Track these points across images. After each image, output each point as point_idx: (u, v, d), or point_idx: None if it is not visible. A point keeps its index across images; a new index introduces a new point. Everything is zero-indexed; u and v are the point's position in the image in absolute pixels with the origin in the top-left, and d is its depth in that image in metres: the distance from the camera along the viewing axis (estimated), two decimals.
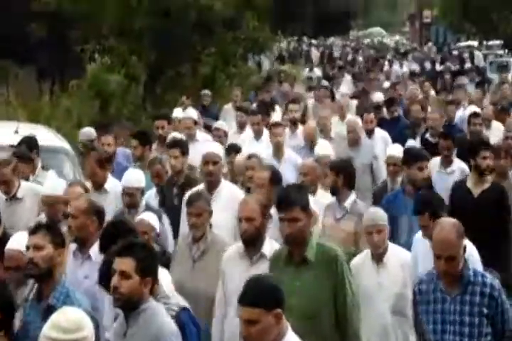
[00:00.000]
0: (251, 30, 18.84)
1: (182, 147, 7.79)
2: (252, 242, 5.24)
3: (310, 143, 9.34)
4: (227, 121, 11.87)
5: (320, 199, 6.91)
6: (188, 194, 6.42)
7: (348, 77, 20.47)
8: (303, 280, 4.73)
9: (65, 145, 9.03)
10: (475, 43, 37.95)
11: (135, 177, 6.89)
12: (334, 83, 18.45)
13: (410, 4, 62.39)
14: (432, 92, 16.28)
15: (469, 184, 7.40)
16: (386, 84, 18.35)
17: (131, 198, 6.72)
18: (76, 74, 18.42)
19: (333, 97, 15.08)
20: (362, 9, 57.56)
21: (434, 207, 5.64)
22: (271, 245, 5.33)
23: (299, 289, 4.66)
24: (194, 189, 6.67)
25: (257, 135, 9.89)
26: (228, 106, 13.81)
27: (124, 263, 4.06)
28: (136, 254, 4.09)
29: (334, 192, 6.68)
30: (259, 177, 6.63)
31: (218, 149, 7.15)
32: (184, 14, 16.18)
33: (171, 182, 7.58)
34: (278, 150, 8.91)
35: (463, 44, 41.35)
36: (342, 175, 6.65)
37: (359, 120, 10.17)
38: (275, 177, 6.54)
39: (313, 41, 50.75)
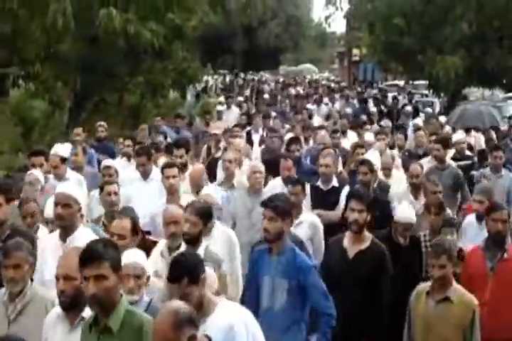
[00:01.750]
0: (180, 61, 18.76)
1: (6, 193, 6.69)
2: (70, 305, 4.50)
3: (195, 189, 8.55)
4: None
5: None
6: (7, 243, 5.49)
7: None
8: None
9: None
10: (401, 83, 38.68)
11: None
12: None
13: (339, 42, 63.29)
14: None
15: (345, 243, 6.63)
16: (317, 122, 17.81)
17: None
18: None
19: (249, 138, 14.42)
20: (292, 45, 58.03)
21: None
22: None
23: None
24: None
25: (144, 175, 9.27)
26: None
27: None
28: None
29: (188, 241, 6.14)
30: (115, 227, 6.16)
31: (73, 190, 6.15)
32: (112, 41, 15.98)
33: None
34: (172, 194, 8.16)
35: (389, 83, 42.11)
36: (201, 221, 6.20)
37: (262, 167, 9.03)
38: (136, 226, 6.23)
39: (250, 76, 51.00)
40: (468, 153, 12.67)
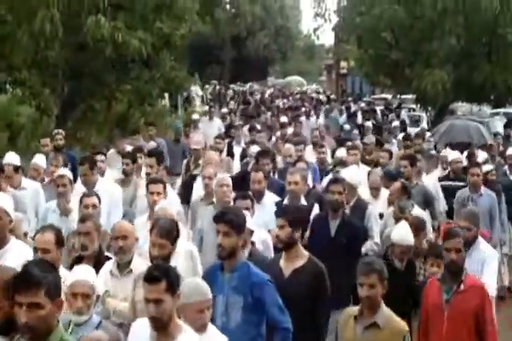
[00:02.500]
0: (167, 70, 18.73)
1: None
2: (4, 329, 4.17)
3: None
4: (111, 167, 11.23)
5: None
6: None
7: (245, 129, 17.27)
8: None
9: None
10: (389, 96, 38.77)
11: None
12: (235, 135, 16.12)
13: (328, 54, 63.50)
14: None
15: (282, 262, 6.36)
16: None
17: None
18: None
19: (229, 150, 14.23)
20: (280, 56, 58.20)
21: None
22: None
23: None
24: None
25: (87, 186, 8.81)
26: (112, 151, 12.73)
27: None
28: None
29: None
30: (38, 241, 5.86)
31: (2, 202, 6.01)
32: (100, 49, 15.94)
33: None
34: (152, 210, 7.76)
35: (377, 96, 42.21)
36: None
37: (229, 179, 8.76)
38: (59, 239, 5.88)
39: (240, 87, 50.71)
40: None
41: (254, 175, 9.01)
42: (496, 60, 23.55)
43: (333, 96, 46.55)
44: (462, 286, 6.15)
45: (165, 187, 8.08)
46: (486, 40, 23.52)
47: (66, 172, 8.78)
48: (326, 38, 67.51)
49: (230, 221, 5.68)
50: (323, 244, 7.57)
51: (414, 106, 30.22)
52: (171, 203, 7.78)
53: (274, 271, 6.16)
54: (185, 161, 12.70)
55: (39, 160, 10.25)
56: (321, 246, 7.33)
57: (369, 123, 20.19)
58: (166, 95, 22.82)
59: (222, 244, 5.64)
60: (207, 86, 44.57)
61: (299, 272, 6.22)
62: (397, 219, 7.98)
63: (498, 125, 22.21)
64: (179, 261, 6.29)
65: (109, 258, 6.39)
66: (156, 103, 20.31)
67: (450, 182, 11.57)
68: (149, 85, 18.74)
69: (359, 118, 25.13)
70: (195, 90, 38.60)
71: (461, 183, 11.05)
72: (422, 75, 23.19)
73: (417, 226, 7.59)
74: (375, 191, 9.74)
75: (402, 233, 7.17)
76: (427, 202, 10.00)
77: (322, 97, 42.82)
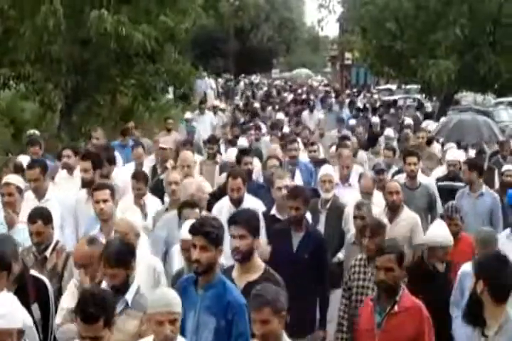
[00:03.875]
0: (172, 64, 18.68)
1: None
2: None
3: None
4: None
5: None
6: None
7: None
8: None
9: None
10: (393, 87, 38.72)
11: None
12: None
13: (332, 45, 63.37)
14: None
15: (235, 273, 5.75)
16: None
17: None
18: None
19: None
20: (284, 48, 58.04)
21: None
22: None
23: None
24: None
25: (37, 194, 8.18)
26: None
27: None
28: None
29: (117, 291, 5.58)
30: None
31: None
32: (103, 43, 15.92)
33: None
34: (106, 221, 7.26)
35: (382, 87, 42.15)
36: None
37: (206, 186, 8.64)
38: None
39: (258, 79, 50.25)
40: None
41: (232, 182, 8.06)
42: (500, 49, 23.47)
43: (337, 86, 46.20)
44: (396, 308, 5.53)
45: (113, 194, 7.30)
46: (491, 29, 23.43)
47: (14, 179, 7.95)
48: (330, 29, 67.67)
49: (207, 234, 5.16)
50: (284, 260, 6.87)
51: (419, 96, 30.20)
52: (134, 212, 7.15)
53: None
54: (150, 165, 11.27)
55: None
56: (281, 263, 6.55)
57: (376, 119, 19.38)
58: (170, 89, 22.69)
59: (200, 259, 5.14)
60: (219, 79, 44.12)
61: (252, 286, 5.33)
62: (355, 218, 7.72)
63: (503, 114, 22.16)
64: (142, 277, 5.94)
65: (37, 279, 5.82)
66: (159, 97, 20.23)
67: (450, 183, 10.73)
68: (154, 79, 18.68)
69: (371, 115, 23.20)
70: (210, 83, 38.05)
71: (462, 183, 10.33)
72: (426, 65, 23.13)
73: (373, 229, 6.92)
74: (366, 195, 9.00)
75: (442, 234, 6.81)
76: (431, 206, 9.54)
77: (328, 89, 42.05)
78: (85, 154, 9.12)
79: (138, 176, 8.97)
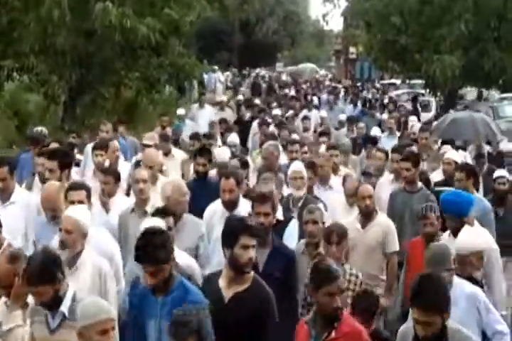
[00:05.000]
0: (176, 57, 18.66)
1: None
2: None
3: (49, 213, 7.09)
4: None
5: None
6: None
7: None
8: None
9: None
10: (398, 81, 38.67)
11: None
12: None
13: (337, 40, 63.33)
14: None
15: (222, 282, 5.28)
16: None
17: None
18: None
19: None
20: (289, 42, 57.98)
21: None
22: None
23: None
24: None
25: (2, 197, 7.54)
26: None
27: None
28: None
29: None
30: None
31: None
32: (108, 35, 15.92)
33: None
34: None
35: (386, 82, 42.09)
36: None
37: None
38: None
39: (264, 73, 49.52)
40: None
41: (224, 183, 7.34)
42: (505, 45, 23.44)
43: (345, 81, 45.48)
44: (334, 334, 5.06)
45: (89, 195, 6.71)
46: (495, 25, 23.39)
47: None
48: (335, 24, 67.49)
49: (156, 260, 4.92)
50: None
51: (423, 91, 30.15)
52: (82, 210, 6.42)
53: (210, 293, 5.20)
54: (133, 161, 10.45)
55: None
56: None
57: (385, 116, 18.04)
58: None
59: (154, 283, 4.97)
60: (227, 73, 43.79)
61: (241, 296, 5.13)
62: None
63: (507, 109, 22.09)
64: (86, 277, 5.65)
65: None
66: (163, 90, 20.21)
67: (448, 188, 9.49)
68: (158, 72, 18.69)
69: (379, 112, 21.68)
70: (218, 76, 37.61)
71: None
72: (431, 60, 23.11)
73: (340, 234, 6.44)
74: (351, 199, 8.37)
75: (472, 239, 6.35)
76: None
77: (335, 85, 40.79)
78: (51, 153, 7.93)
79: (106, 169, 8.39)
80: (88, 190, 6.73)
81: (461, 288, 5.69)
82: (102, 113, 19.21)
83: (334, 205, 8.53)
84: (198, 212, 7.49)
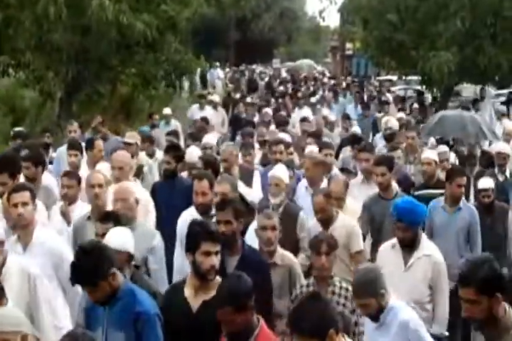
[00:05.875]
0: (172, 53, 18.65)
1: None
2: None
3: None
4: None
5: None
6: None
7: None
8: None
9: None
10: (394, 78, 38.68)
11: None
12: None
13: (333, 36, 63.26)
14: None
15: (187, 292, 5.06)
16: None
17: None
18: None
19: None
20: (285, 38, 57.99)
21: None
22: None
23: None
24: None
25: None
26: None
27: None
28: None
29: None
30: None
31: None
32: (104, 32, 15.90)
33: None
34: (24, 228, 6.28)
35: (383, 78, 42.09)
36: None
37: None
38: None
39: (261, 69, 49.14)
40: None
41: (198, 185, 7.01)
42: (501, 42, 23.45)
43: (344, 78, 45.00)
44: None
45: (33, 195, 6.32)
46: (491, 22, 23.39)
47: None
48: (332, 20, 67.44)
49: (92, 282, 4.77)
50: None
51: (419, 87, 30.17)
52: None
53: (176, 304, 5.03)
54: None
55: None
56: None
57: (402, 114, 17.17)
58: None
59: (95, 300, 4.88)
60: (227, 69, 43.34)
61: (209, 304, 4.83)
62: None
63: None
64: (12, 281, 5.30)
65: None
66: (159, 86, 20.18)
67: (428, 191, 9.23)
68: (154, 68, 18.67)
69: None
70: (217, 73, 37.13)
71: (441, 190, 8.77)
72: (427, 57, 23.10)
73: (331, 244, 6.20)
74: (338, 202, 7.85)
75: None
76: None
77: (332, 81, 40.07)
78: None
79: (68, 173, 7.87)
80: (32, 191, 6.32)
81: (394, 313, 5.27)
82: (98, 109, 19.19)
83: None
84: (165, 213, 7.42)
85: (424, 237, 6.66)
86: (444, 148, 11.18)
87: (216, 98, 19.68)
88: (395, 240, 6.62)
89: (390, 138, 12.29)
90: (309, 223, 7.59)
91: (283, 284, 6.32)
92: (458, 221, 8.19)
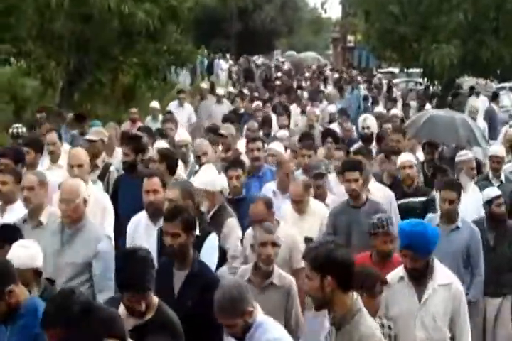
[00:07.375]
0: (173, 43, 18.62)
1: None
2: None
3: None
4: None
5: None
6: None
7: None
8: None
9: None
10: (396, 70, 38.64)
11: None
12: None
13: (335, 27, 63.23)
14: None
15: (122, 310, 4.67)
16: None
17: None
18: None
19: None
20: (287, 29, 57.84)
21: None
22: None
23: None
24: None
25: None
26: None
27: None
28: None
29: None
30: None
31: None
32: (106, 21, 15.88)
33: None
34: None
35: (384, 70, 42.07)
36: None
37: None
38: None
39: (261, 60, 48.68)
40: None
41: (147, 183, 6.62)
42: (504, 35, 23.42)
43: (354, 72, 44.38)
44: None
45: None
46: (494, 15, 23.36)
47: None
48: (333, 12, 67.33)
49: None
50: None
51: (421, 79, 30.14)
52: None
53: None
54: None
55: None
56: None
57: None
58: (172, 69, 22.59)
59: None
60: (230, 61, 42.73)
61: (141, 331, 4.44)
62: None
63: (505, 99, 22.08)
64: None
65: None
66: (161, 77, 20.12)
67: (409, 200, 8.42)
68: (155, 58, 18.64)
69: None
70: (219, 64, 36.45)
71: (422, 198, 8.27)
72: (429, 50, 23.08)
73: (383, 281, 5.45)
74: (298, 205, 7.25)
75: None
76: None
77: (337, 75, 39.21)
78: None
79: (5, 168, 7.43)
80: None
81: (261, 332, 4.52)
82: (99, 98, 19.21)
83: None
84: (127, 206, 7.23)
85: (436, 263, 5.53)
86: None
87: (221, 91, 19.22)
88: (401, 271, 5.53)
89: (367, 139, 11.54)
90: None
91: (279, 308, 5.70)
92: (454, 243, 7.07)
